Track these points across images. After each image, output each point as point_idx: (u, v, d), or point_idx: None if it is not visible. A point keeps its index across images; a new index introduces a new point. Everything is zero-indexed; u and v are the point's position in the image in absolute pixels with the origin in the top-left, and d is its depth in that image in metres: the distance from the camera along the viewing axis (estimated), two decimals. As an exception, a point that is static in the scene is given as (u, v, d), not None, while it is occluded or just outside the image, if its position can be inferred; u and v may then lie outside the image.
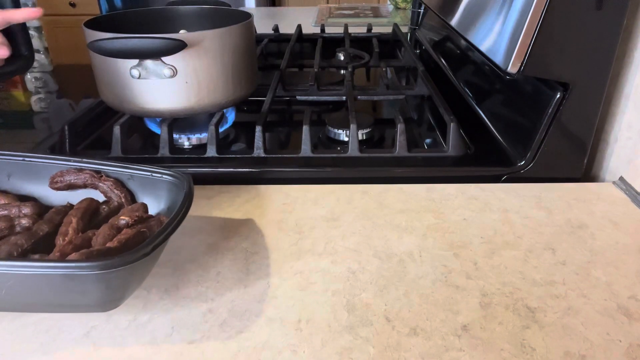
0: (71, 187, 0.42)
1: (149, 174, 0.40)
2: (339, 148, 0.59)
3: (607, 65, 0.48)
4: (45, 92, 0.89)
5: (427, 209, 0.47)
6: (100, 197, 0.41)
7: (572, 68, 0.48)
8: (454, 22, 0.67)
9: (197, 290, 0.37)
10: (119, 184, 0.41)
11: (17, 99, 0.88)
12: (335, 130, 0.61)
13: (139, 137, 0.63)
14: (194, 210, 0.46)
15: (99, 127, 0.65)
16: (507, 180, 0.53)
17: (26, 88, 0.91)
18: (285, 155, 0.55)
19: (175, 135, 0.59)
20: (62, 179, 0.41)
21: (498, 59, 0.50)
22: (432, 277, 0.38)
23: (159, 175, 0.40)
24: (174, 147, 0.57)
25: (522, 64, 0.47)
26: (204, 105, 0.56)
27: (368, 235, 0.43)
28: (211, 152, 0.55)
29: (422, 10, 1.12)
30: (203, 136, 0.59)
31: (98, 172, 0.41)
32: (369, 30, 1.08)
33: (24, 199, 0.41)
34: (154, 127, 0.62)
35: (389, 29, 1.06)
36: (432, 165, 0.54)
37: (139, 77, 0.53)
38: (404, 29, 1.17)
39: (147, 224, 0.37)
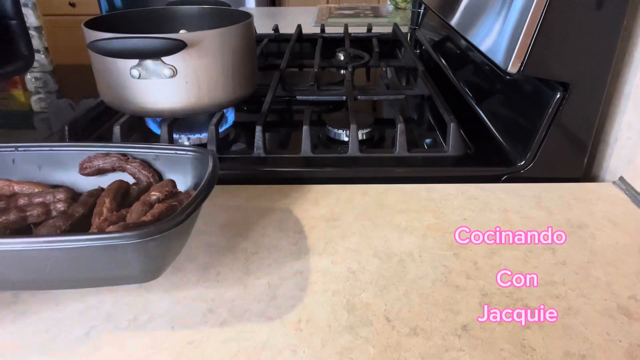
0: (100, 171, 0.43)
1: (173, 152, 0.42)
2: (339, 148, 0.59)
3: (607, 65, 0.48)
4: (45, 92, 0.89)
5: (427, 209, 0.47)
6: (129, 180, 0.42)
7: (572, 68, 0.48)
8: (454, 22, 0.67)
9: (197, 290, 0.37)
10: (146, 164, 0.42)
11: (17, 99, 0.88)
12: (335, 130, 0.61)
13: (139, 137, 0.63)
14: (194, 210, 0.46)
15: (99, 127, 0.65)
16: (507, 180, 0.53)
17: (26, 88, 0.91)
18: (285, 155, 0.55)
19: (175, 135, 0.59)
20: (90, 165, 0.43)
21: (498, 59, 0.50)
22: (432, 277, 0.38)
23: (183, 152, 0.42)
24: (174, 147, 0.57)
25: (522, 64, 0.47)
26: (204, 105, 0.56)
27: (368, 235, 0.43)
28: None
29: (422, 10, 1.12)
30: (203, 136, 0.59)
31: (124, 154, 0.43)
32: (369, 30, 1.08)
33: (55, 187, 0.42)
34: (154, 127, 0.62)
35: (389, 29, 1.06)
36: (432, 165, 0.54)
37: (139, 77, 0.53)
38: (404, 29, 1.17)
39: (177, 198, 0.38)
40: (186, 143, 0.59)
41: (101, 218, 0.36)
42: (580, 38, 0.47)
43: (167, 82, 0.53)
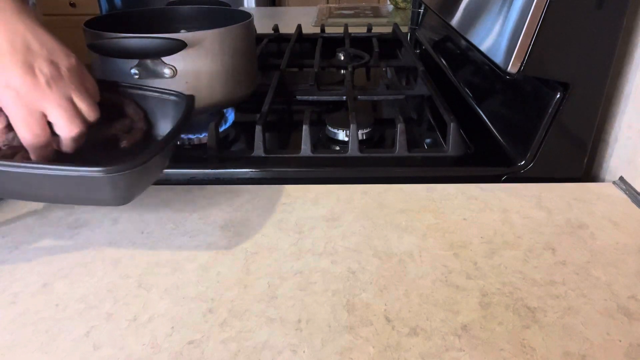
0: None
1: (158, 94, 0.48)
2: (339, 148, 0.59)
3: (607, 65, 0.48)
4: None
5: (427, 209, 0.47)
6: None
7: (572, 68, 0.48)
8: (454, 22, 0.67)
9: (197, 290, 0.37)
10: (134, 104, 0.48)
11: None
12: (335, 130, 0.61)
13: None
14: (194, 210, 0.46)
15: (99, 127, 0.65)
16: (507, 180, 0.53)
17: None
18: (285, 155, 0.55)
19: (175, 135, 0.58)
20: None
21: (498, 59, 0.50)
22: (432, 277, 0.38)
23: (166, 95, 0.48)
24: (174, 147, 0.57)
25: (522, 64, 0.47)
26: (204, 105, 0.56)
27: (368, 235, 0.43)
28: (211, 152, 0.55)
29: (422, 10, 1.12)
30: (203, 136, 0.59)
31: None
32: (369, 30, 1.08)
33: None
34: (154, 127, 0.62)
35: (389, 29, 1.06)
36: (432, 165, 0.54)
37: (139, 77, 0.52)
38: (404, 29, 1.17)
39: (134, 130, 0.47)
40: (186, 143, 0.59)
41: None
42: (580, 38, 0.47)
43: (167, 82, 0.53)
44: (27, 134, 0.39)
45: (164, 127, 0.49)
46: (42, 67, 0.38)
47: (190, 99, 0.46)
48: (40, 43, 0.39)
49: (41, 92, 0.38)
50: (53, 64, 0.39)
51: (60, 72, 0.39)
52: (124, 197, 0.37)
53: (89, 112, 0.42)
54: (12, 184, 0.37)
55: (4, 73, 0.37)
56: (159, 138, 0.48)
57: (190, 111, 0.45)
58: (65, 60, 0.40)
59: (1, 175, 0.35)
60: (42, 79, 0.38)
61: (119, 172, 0.34)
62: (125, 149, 0.46)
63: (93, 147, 0.45)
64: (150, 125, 0.49)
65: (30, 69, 0.38)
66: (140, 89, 0.48)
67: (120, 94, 0.48)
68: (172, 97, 0.47)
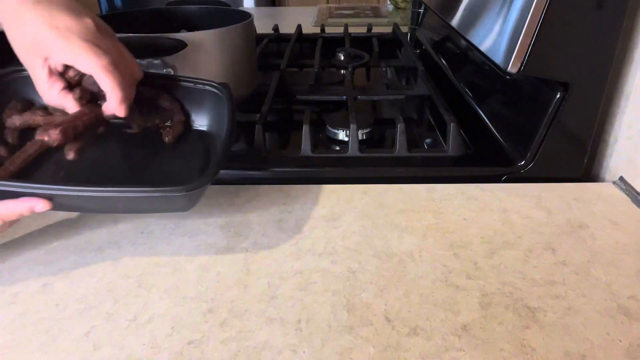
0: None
1: (192, 84, 0.48)
2: (339, 148, 0.59)
3: (607, 65, 0.48)
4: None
5: (427, 209, 0.47)
6: None
7: (572, 68, 0.48)
8: (454, 22, 0.67)
9: (197, 290, 0.37)
10: (170, 97, 0.48)
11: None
12: (335, 130, 0.61)
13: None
14: (194, 210, 0.46)
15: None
16: (507, 180, 0.53)
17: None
18: (285, 155, 0.55)
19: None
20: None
21: (498, 59, 0.50)
22: (432, 277, 0.38)
23: (201, 85, 0.48)
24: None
25: (522, 64, 0.47)
26: (204, 105, 0.56)
27: (368, 235, 0.43)
28: (211, 152, 0.55)
29: (422, 10, 1.12)
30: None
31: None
32: (369, 30, 1.08)
33: None
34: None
35: (389, 29, 1.06)
36: (432, 165, 0.54)
37: (139, 77, 0.52)
38: (404, 29, 1.17)
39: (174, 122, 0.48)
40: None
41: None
42: (580, 38, 0.47)
43: (167, 82, 0.53)
44: (90, 56, 0.38)
45: (199, 116, 0.49)
46: (90, 20, 0.39)
47: (228, 89, 0.47)
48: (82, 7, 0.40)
49: (92, 34, 0.38)
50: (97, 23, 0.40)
51: (106, 31, 0.40)
52: (193, 204, 0.41)
53: (136, 70, 0.42)
54: (95, 204, 0.39)
55: (48, 13, 0.37)
56: (196, 127, 0.49)
57: (233, 104, 0.46)
58: (109, 30, 0.41)
59: (87, 198, 0.37)
60: (91, 24, 0.38)
61: (196, 189, 0.37)
62: (170, 143, 0.47)
63: (133, 140, 0.46)
64: (187, 116, 0.49)
65: (78, 16, 0.38)
66: (173, 79, 0.49)
67: (153, 86, 0.48)
68: (207, 87, 0.48)
